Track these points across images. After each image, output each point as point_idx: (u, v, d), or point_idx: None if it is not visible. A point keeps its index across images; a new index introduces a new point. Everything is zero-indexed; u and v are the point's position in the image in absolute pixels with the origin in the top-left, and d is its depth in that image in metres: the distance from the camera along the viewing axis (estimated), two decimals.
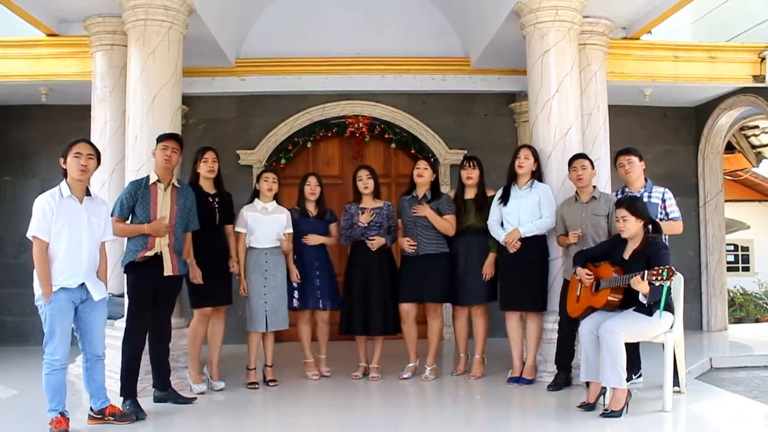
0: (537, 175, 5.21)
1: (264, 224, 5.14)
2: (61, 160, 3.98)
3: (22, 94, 7.08)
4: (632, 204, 4.34)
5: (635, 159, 5.03)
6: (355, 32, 7.23)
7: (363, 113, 7.55)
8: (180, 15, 5.25)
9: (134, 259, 4.40)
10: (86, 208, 4.00)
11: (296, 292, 5.27)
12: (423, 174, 5.34)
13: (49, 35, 6.25)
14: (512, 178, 5.22)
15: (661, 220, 4.88)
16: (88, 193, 4.06)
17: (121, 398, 4.30)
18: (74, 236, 3.91)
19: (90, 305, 3.99)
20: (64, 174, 3.99)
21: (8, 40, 6.49)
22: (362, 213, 5.31)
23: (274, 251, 5.17)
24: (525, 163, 5.15)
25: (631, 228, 4.29)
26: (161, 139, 4.62)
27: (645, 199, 4.90)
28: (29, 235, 3.88)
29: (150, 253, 4.41)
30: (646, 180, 5.07)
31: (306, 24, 7.24)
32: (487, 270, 5.21)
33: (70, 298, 3.91)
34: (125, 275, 4.52)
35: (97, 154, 4.07)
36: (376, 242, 5.29)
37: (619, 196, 5.07)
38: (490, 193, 5.33)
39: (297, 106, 7.51)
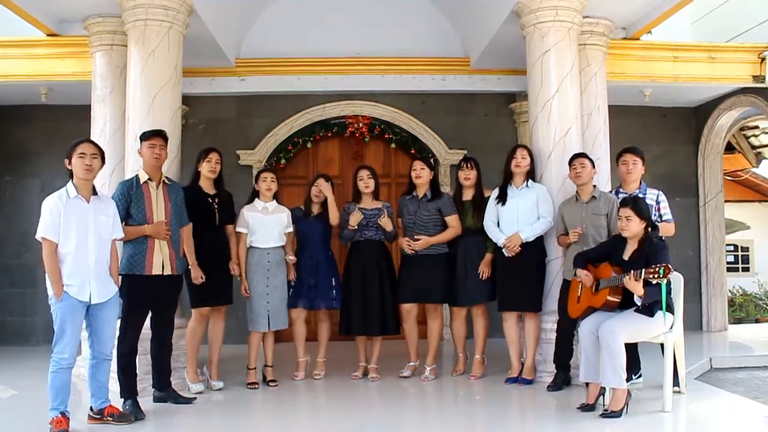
0: (531, 174, 5.22)
1: (266, 224, 5.14)
2: (66, 161, 3.99)
3: (22, 94, 7.08)
4: (637, 204, 4.36)
5: (640, 161, 5.06)
6: (355, 32, 7.22)
7: (363, 113, 7.55)
8: (180, 15, 5.24)
9: (143, 272, 4.38)
10: (93, 207, 4.00)
11: (291, 290, 5.27)
12: (421, 174, 5.34)
13: (49, 35, 6.24)
14: (508, 177, 5.23)
15: (655, 221, 4.90)
16: (95, 192, 4.06)
17: (122, 399, 4.30)
18: (82, 236, 3.92)
19: (101, 303, 3.99)
20: (70, 175, 3.99)
21: (8, 40, 6.49)
22: (353, 214, 5.29)
23: (276, 251, 5.16)
24: (522, 163, 5.16)
25: (634, 228, 4.30)
26: (147, 136, 4.57)
27: None
28: (38, 236, 3.89)
29: (155, 271, 4.40)
30: (640, 183, 5.09)
31: (306, 24, 7.23)
32: (484, 269, 5.21)
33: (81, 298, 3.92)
34: (121, 278, 4.51)
35: (101, 154, 4.08)
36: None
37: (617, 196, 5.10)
38: (487, 194, 5.33)
39: (297, 107, 7.51)
